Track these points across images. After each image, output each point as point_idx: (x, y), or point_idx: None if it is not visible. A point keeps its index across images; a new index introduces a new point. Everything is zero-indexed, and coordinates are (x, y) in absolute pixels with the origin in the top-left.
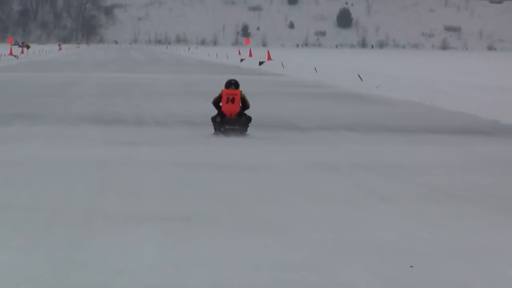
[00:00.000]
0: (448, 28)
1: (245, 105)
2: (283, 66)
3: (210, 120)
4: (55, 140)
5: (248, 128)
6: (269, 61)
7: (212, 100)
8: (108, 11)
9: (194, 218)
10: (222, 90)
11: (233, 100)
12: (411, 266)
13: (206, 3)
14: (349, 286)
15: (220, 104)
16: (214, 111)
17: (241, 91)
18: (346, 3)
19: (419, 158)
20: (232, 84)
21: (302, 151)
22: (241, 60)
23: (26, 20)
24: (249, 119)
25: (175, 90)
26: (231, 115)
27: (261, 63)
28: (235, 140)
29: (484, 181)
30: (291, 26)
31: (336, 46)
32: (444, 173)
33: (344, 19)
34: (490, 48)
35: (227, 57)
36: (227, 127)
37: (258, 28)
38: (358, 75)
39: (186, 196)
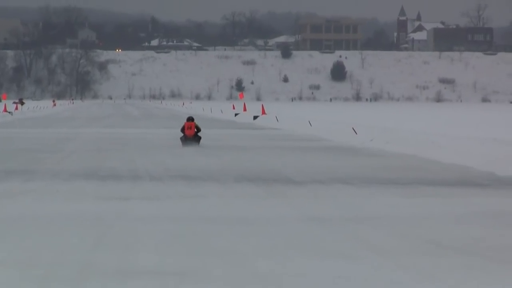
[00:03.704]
0: (442, 80)
1: (198, 129)
2: (277, 120)
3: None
4: (49, 196)
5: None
6: (264, 115)
7: (180, 128)
8: (102, 66)
9: (190, 273)
10: (185, 123)
11: (190, 128)
12: None
13: (200, 57)
14: None
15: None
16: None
17: (195, 123)
18: (340, 56)
19: (413, 210)
20: (190, 119)
21: (296, 204)
22: (236, 114)
23: (20, 76)
24: (200, 138)
25: (169, 144)
26: (190, 135)
27: (255, 117)
28: (230, 195)
29: (479, 233)
30: (285, 80)
31: (330, 100)
32: (439, 225)
33: (338, 72)
34: (485, 99)
35: (222, 111)
36: (188, 142)
37: (252, 82)
38: (353, 129)
39: (181, 251)
